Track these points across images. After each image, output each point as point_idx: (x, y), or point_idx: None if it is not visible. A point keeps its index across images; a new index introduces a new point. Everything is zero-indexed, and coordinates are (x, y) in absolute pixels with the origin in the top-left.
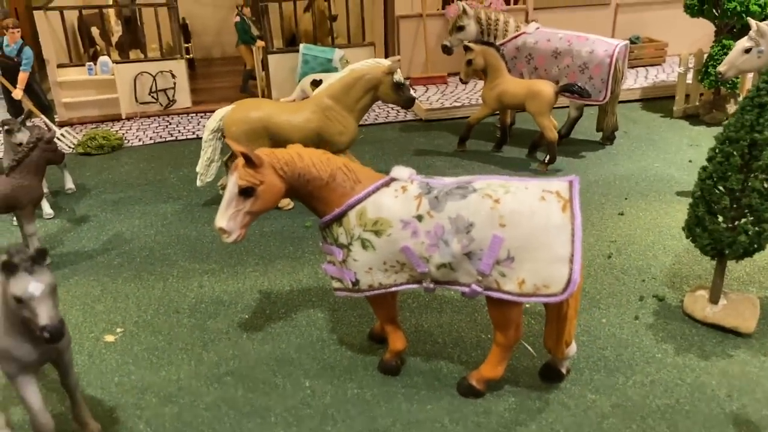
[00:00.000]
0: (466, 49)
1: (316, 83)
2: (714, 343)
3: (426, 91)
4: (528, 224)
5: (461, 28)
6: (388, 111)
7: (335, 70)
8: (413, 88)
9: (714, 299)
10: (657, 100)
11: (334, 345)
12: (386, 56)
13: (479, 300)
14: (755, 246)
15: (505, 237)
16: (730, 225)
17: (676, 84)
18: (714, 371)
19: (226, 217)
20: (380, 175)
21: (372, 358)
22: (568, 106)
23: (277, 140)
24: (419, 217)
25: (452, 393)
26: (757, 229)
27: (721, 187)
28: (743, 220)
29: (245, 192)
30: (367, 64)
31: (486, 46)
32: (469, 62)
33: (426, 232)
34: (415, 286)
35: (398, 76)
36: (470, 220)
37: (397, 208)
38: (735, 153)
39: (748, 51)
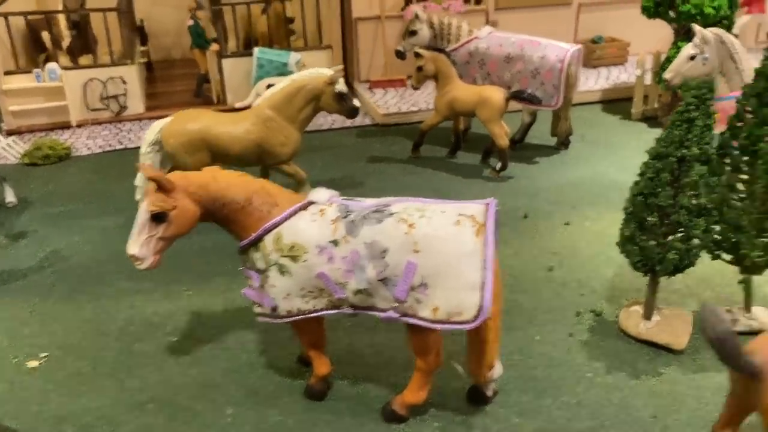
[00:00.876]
0: (416, 55)
1: (270, 87)
2: (646, 361)
3: (384, 95)
4: (441, 250)
5: (414, 33)
6: None
7: (291, 73)
8: (372, 91)
9: (647, 315)
10: (617, 102)
11: (262, 369)
12: (344, 59)
13: None
14: (685, 262)
15: (419, 263)
16: (660, 241)
17: (634, 86)
18: (642, 390)
19: (139, 244)
20: (300, 198)
21: (300, 382)
22: (521, 111)
23: (217, 152)
24: (335, 242)
25: (376, 418)
26: (685, 246)
27: (650, 204)
28: (672, 237)
29: (157, 218)
30: (308, 73)
31: (436, 53)
32: (420, 69)
33: (342, 258)
34: (334, 311)
35: (340, 86)
36: (385, 246)
37: (314, 232)
38: (664, 169)
39: (692, 58)
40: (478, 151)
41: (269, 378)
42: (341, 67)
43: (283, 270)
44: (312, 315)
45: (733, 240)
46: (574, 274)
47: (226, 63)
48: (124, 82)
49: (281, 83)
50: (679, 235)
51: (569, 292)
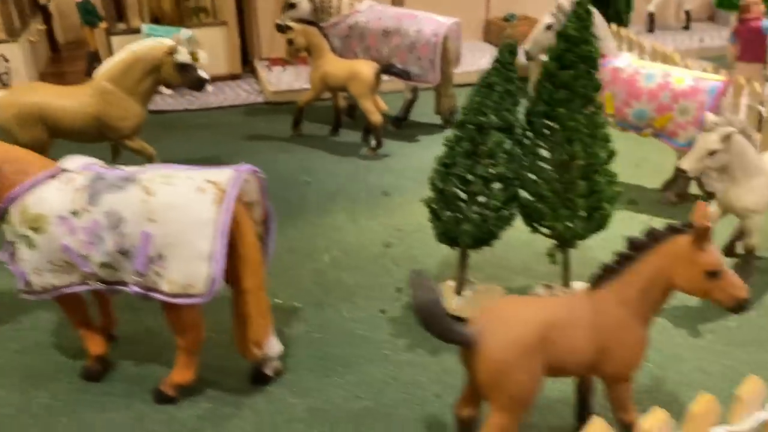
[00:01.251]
0: (286, 29)
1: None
2: None
3: (282, 72)
4: (176, 218)
5: (293, 6)
6: (237, 93)
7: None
8: (270, 69)
9: (458, 291)
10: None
11: (50, 349)
12: (241, 36)
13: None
14: (486, 234)
15: (154, 233)
16: (457, 213)
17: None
18: (434, 368)
19: None
20: (52, 164)
21: (82, 362)
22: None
23: (54, 127)
24: (75, 213)
25: (147, 400)
26: (482, 217)
27: (451, 174)
28: (468, 208)
29: None
30: (147, 43)
31: (307, 25)
32: (290, 42)
33: (83, 229)
34: (87, 287)
35: (182, 57)
36: (122, 215)
37: (57, 202)
38: (464, 137)
39: (549, 27)
40: (362, 129)
41: (53, 359)
42: (189, 33)
43: (29, 243)
44: (68, 291)
45: (541, 211)
46: (411, 251)
47: (116, 41)
48: (6, 60)
49: (119, 54)
50: (475, 206)
51: (399, 269)
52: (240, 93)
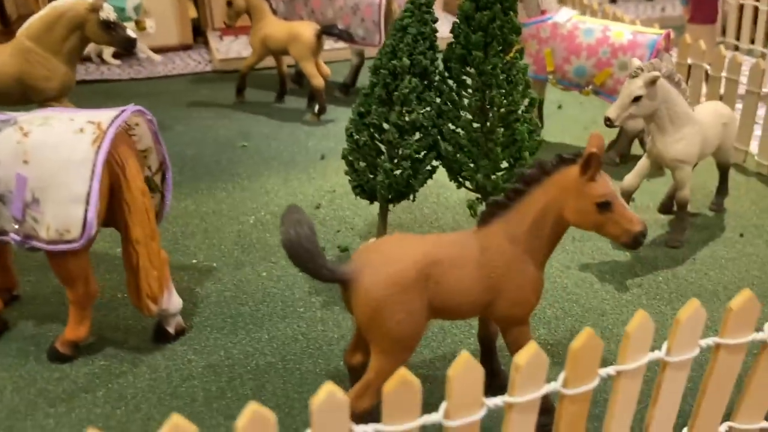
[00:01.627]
0: None
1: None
2: None
3: (234, 41)
4: (50, 158)
5: None
6: (187, 63)
7: (129, 19)
8: (221, 38)
9: None
10: None
11: None
12: (197, 5)
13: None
14: (403, 187)
15: (29, 175)
16: (372, 164)
17: None
18: (347, 325)
19: None
20: None
21: None
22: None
23: None
24: None
25: (42, 359)
26: (397, 167)
27: (366, 123)
28: (382, 158)
29: None
30: (69, 0)
31: None
32: (229, 4)
33: None
34: None
35: (105, 14)
36: None
37: None
38: (378, 83)
39: None
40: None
41: None
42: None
43: None
44: None
45: (461, 162)
46: (340, 212)
47: None
48: None
49: (41, 11)
50: (389, 156)
51: (326, 230)
52: (189, 63)
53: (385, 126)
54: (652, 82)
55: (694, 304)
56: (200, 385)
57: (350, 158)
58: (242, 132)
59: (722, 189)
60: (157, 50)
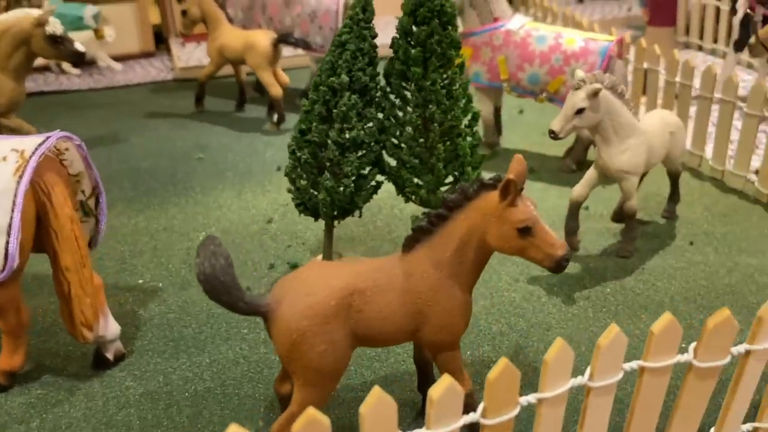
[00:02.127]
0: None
1: None
2: None
3: (196, 48)
4: None
5: None
6: (147, 71)
7: (88, 28)
8: (184, 46)
9: None
10: None
11: None
12: (162, 13)
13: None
14: (346, 204)
15: None
16: (313, 181)
17: None
18: None
19: None
20: None
21: None
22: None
23: None
24: None
25: None
26: (338, 185)
27: (307, 140)
28: (324, 176)
29: None
30: (14, 14)
31: None
32: (184, 13)
33: None
34: None
35: (52, 28)
36: None
37: None
38: (318, 100)
39: None
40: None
41: None
42: (53, 7)
43: None
44: None
45: (405, 177)
46: (292, 227)
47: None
48: None
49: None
50: (329, 174)
51: (276, 245)
52: (150, 71)
53: (325, 143)
54: (595, 94)
55: (614, 329)
56: (136, 414)
57: (293, 176)
58: (199, 143)
59: (674, 196)
60: (118, 58)
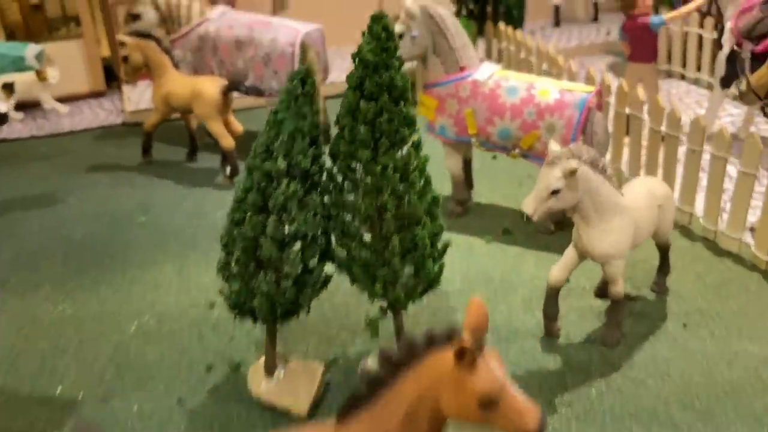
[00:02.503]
0: (120, 44)
1: (6, 87)
2: None
3: (148, 87)
4: None
5: (136, 17)
6: (96, 113)
7: (31, 69)
8: (134, 86)
9: (269, 371)
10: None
11: None
12: (111, 47)
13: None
14: (289, 305)
15: None
16: (248, 283)
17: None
18: None
19: None
20: None
21: None
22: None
23: None
24: None
25: None
26: (277, 287)
27: (239, 234)
28: (259, 277)
29: None
30: None
31: (142, 39)
32: (125, 59)
33: None
34: None
35: None
36: None
37: None
38: (251, 187)
39: (401, 37)
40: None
41: None
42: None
43: None
44: None
45: (355, 272)
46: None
47: None
48: None
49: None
50: (267, 274)
51: (218, 338)
52: (99, 113)
53: (260, 239)
54: (572, 173)
55: None
56: None
57: (225, 273)
58: (143, 202)
59: (664, 268)
60: (66, 99)
